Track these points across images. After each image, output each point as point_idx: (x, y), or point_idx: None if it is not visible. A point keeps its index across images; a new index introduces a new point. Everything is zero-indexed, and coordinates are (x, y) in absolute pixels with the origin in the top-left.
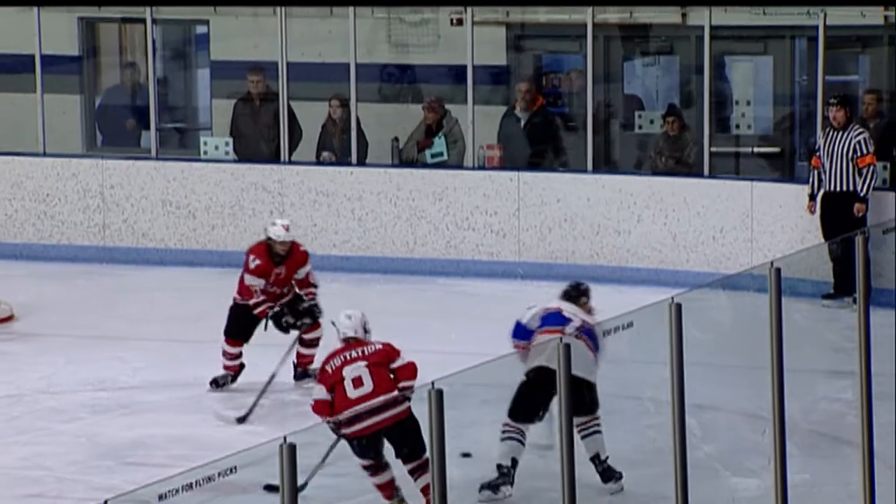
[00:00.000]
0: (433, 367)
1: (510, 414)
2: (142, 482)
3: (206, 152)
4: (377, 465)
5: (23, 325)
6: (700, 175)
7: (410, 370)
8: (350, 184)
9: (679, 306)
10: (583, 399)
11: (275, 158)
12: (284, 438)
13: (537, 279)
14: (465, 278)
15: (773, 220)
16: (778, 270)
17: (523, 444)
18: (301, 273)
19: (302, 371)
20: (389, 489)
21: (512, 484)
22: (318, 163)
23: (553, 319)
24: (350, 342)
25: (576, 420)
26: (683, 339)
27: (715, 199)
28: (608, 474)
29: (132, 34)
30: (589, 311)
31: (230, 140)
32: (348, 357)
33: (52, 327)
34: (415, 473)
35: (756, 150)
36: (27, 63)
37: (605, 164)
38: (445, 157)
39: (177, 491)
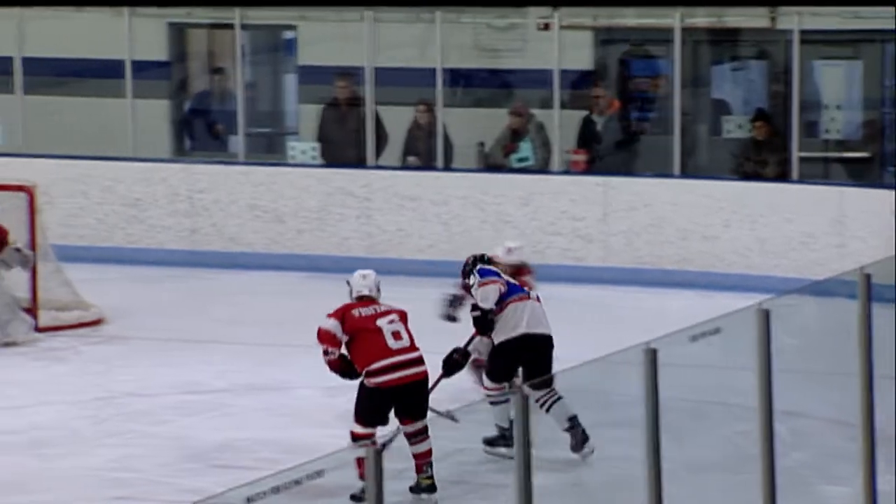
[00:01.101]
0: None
1: (491, 378)
2: (229, 485)
3: (293, 157)
4: (374, 432)
5: (113, 329)
6: (788, 180)
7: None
8: (436, 188)
9: (767, 312)
10: (550, 369)
11: (361, 163)
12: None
13: (624, 284)
14: (551, 283)
15: (862, 226)
16: (868, 276)
17: (510, 401)
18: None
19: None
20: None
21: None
22: (404, 167)
23: (512, 289)
24: (364, 300)
25: (536, 394)
26: (772, 346)
27: (803, 204)
28: (584, 436)
29: (221, 39)
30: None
31: (317, 145)
32: (379, 310)
33: (142, 330)
34: (415, 437)
35: (845, 155)
36: (117, 68)
37: (693, 168)
38: (531, 161)
39: (264, 494)
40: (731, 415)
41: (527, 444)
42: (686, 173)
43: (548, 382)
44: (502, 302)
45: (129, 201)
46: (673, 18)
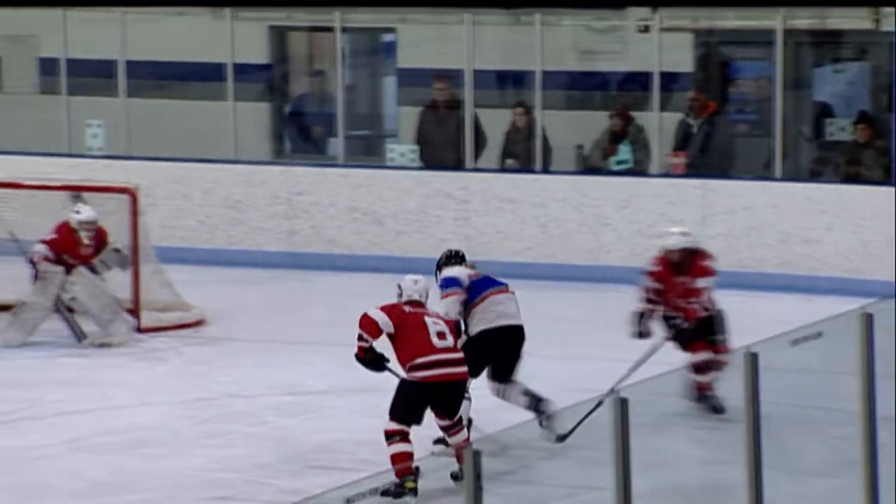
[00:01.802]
0: (618, 376)
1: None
2: (328, 486)
3: (392, 159)
4: (408, 430)
5: (214, 330)
6: (891, 183)
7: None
8: (534, 191)
9: (870, 316)
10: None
11: (459, 165)
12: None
13: (724, 288)
14: None
15: None
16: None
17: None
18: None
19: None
20: (408, 461)
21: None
22: (503, 170)
23: (491, 282)
24: (413, 304)
25: (499, 387)
26: (874, 350)
27: None
28: (545, 405)
29: (321, 42)
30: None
31: (416, 147)
32: (427, 311)
33: (242, 332)
34: (450, 430)
35: None
36: (219, 71)
37: (794, 171)
38: (630, 164)
39: (363, 495)
40: (833, 419)
41: (626, 449)
42: (787, 176)
43: (511, 374)
44: (479, 296)
45: (229, 203)
46: (775, 20)
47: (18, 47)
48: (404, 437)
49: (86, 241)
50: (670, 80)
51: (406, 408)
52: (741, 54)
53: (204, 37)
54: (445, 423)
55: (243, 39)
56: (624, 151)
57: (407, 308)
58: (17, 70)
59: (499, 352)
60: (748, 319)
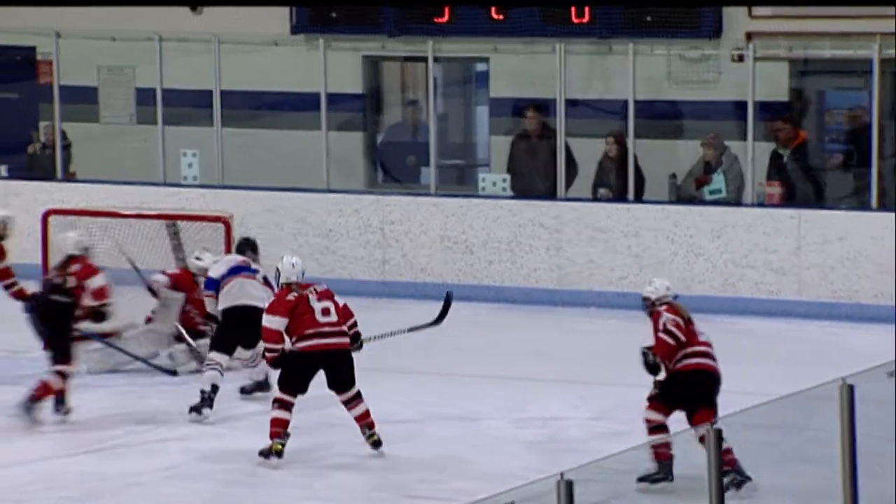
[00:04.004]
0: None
1: (214, 348)
2: None
3: (483, 188)
4: (292, 400)
5: None
6: None
7: (349, 309)
8: (627, 220)
9: None
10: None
11: (551, 195)
12: (561, 475)
13: (819, 318)
14: (743, 316)
15: None
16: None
17: (222, 373)
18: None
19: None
20: (282, 428)
21: (212, 407)
22: (595, 199)
23: (243, 269)
24: (291, 286)
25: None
26: None
27: None
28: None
29: (414, 72)
30: (258, 263)
31: (507, 176)
32: (307, 294)
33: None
34: (349, 403)
35: None
36: (312, 101)
37: (890, 201)
38: (724, 193)
39: None
40: None
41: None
42: (883, 206)
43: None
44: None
45: (322, 232)
46: (871, 50)
47: (116, 78)
48: (285, 405)
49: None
50: (765, 110)
51: (291, 377)
52: (836, 84)
53: (298, 67)
54: (343, 397)
55: (337, 69)
56: (717, 181)
57: (290, 297)
58: (115, 101)
59: (235, 330)
60: (843, 351)
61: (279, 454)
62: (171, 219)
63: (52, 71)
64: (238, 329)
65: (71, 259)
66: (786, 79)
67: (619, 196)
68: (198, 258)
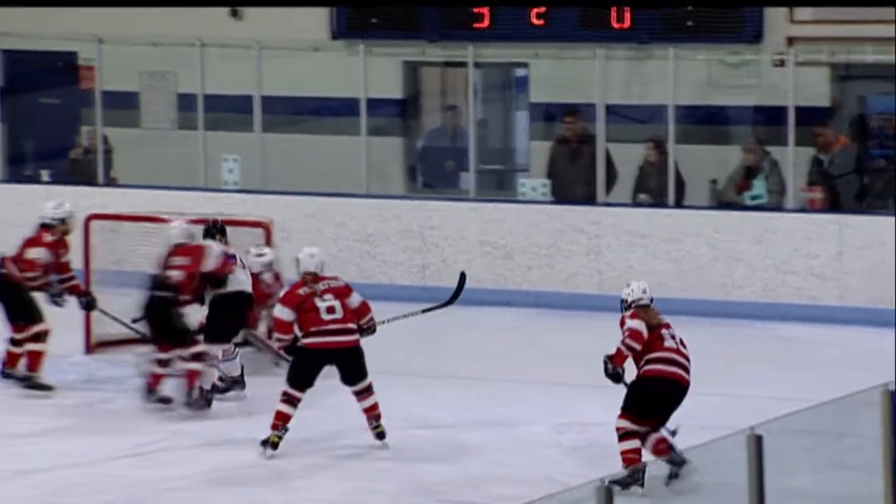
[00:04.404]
0: (751, 413)
1: (212, 340)
2: None
3: (523, 193)
4: (299, 396)
5: None
6: None
7: (366, 307)
8: (667, 226)
9: None
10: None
11: (591, 200)
12: (602, 480)
13: (860, 324)
14: (783, 322)
15: None
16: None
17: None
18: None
19: None
20: (282, 422)
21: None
22: (635, 204)
23: (229, 257)
24: (310, 276)
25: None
26: None
27: None
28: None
29: (454, 78)
30: (227, 244)
31: (547, 182)
32: (318, 289)
33: (374, 365)
34: (359, 395)
35: None
36: (352, 107)
37: None
38: (764, 199)
39: None
40: None
41: (760, 483)
42: None
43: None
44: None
45: (362, 237)
46: None
47: (157, 84)
48: (291, 400)
49: (268, 282)
50: (807, 115)
51: (298, 372)
52: (878, 89)
53: (338, 72)
54: (353, 389)
55: (377, 75)
56: (758, 186)
57: (301, 291)
58: (156, 106)
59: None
60: (884, 356)
61: (274, 446)
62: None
63: (94, 76)
64: (231, 315)
65: (178, 248)
66: (826, 84)
67: (659, 201)
68: (260, 254)
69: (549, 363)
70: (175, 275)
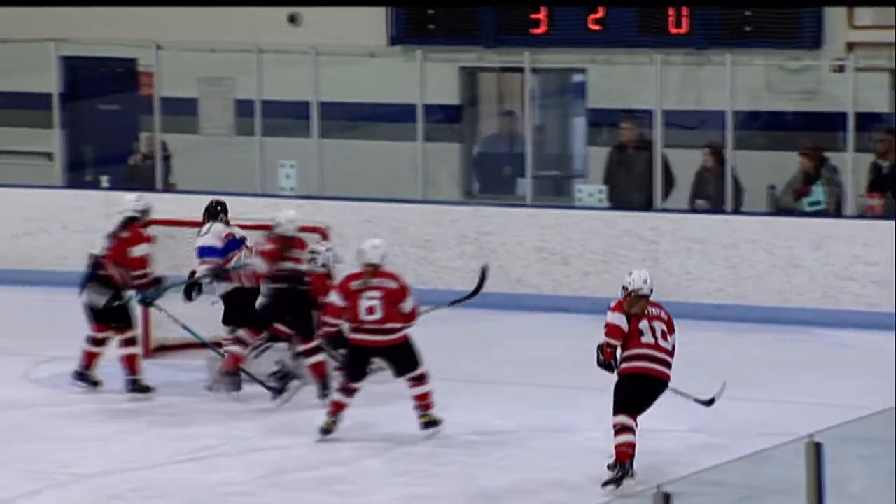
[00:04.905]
0: (810, 420)
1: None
2: None
3: (580, 199)
4: (352, 387)
5: None
6: None
7: (413, 315)
8: (725, 232)
9: None
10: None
11: (648, 206)
12: (658, 488)
13: None
14: (843, 329)
15: None
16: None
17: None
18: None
19: None
20: (338, 409)
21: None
22: (693, 210)
23: (236, 243)
24: (370, 269)
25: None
26: None
27: None
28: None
29: (511, 83)
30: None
31: (604, 187)
32: (369, 284)
33: (431, 370)
34: (410, 384)
35: None
36: (409, 112)
37: None
38: (823, 205)
39: None
40: None
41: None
42: None
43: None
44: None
45: (418, 243)
46: None
47: (215, 90)
48: (346, 391)
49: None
50: (867, 121)
51: (349, 365)
52: None
53: (395, 78)
54: (405, 378)
55: (434, 80)
56: (817, 192)
57: (354, 284)
58: (214, 112)
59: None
60: None
61: (326, 431)
62: (270, 229)
63: (152, 82)
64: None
65: (293, 240)
66: (886, 89)
67: (717, 207)
68: (328, 248)
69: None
70: (303, 268)
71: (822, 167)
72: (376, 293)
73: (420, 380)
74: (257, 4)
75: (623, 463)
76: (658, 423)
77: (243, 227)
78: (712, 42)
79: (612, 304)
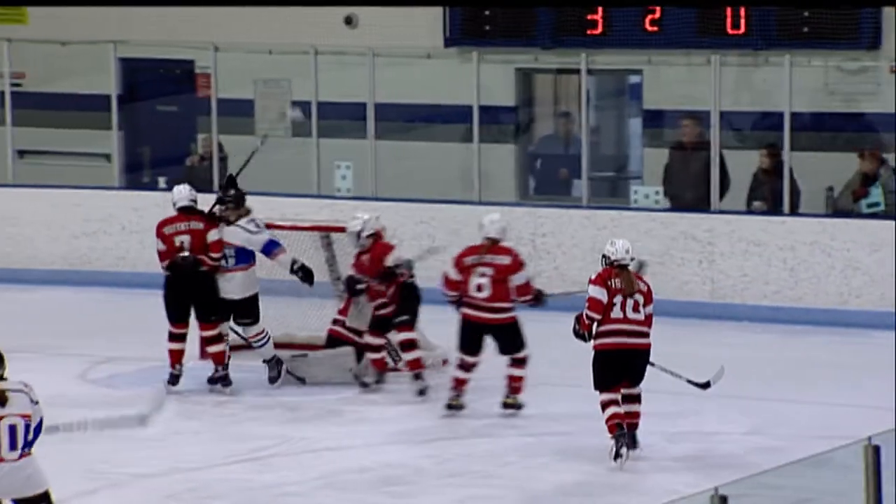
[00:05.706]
0: (867, 423)
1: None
2: None
3: (636, 201)
4: (469, 361)
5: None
6: None
7: (528, 288)
8: (782, 233)
9: None
10: None
11: (704, 207)
12: (716, 490)
13: None
14: None
15: None
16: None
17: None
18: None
19: None
20: (460, 384)
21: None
22: (750, 212)
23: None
24: (488, 243)
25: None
26: None
27: None
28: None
29: (567, 84)
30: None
31: (660, 189)
32: (482, 261)
33: (484, 372)
34: (510, 364)
35: None
36: (465, 114)
37: None
38: (882, 206)
39: None
40: None
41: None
42: None
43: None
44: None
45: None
46: None
47: (271, 91)
48: (464, 366)
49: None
50: None
51: (463, 339)
52: None
53: (451, 79)
54: (506, 357)
55: (490, 82)
56: (875, 194)
57: (468, 259)
58: (271, 113)
59: None
60: None
61: (450, 407)
62: (325, 230)
63: (210, 84)
64: None
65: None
66: None
67: (774, 209)
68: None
69: (661, 372)
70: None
71: (881, 168)
72: (488, 270)
73: (520, 363)
74: (314, 4)
75: (615, 435)
76: (714, 425)
77: (299, 228)
78: (769, 43)
79: (593, 277)
